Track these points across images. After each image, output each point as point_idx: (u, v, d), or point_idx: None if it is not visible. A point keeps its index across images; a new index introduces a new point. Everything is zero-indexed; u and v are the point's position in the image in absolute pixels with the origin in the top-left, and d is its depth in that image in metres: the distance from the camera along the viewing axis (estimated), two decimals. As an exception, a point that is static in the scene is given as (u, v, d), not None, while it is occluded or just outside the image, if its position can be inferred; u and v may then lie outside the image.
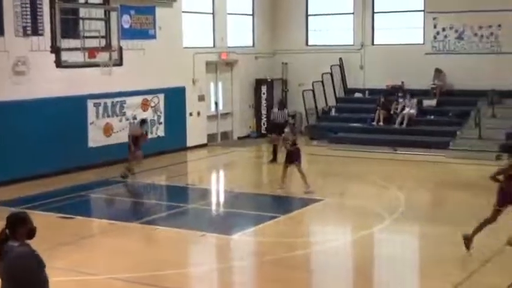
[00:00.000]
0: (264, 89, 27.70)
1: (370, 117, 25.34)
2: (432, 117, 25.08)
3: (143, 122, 19.61)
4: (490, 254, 11.80)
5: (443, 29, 25.76)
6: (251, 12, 27.93)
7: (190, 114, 24.38)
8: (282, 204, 16.60)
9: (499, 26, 24.78)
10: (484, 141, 22.57)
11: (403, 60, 26.09)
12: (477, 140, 22.72)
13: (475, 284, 10.49)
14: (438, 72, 25.46)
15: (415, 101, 24.99)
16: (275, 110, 22.38)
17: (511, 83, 24.07)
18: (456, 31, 25.56)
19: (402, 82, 25.98)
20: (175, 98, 23.49)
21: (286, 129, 17.63)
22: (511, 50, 24.49)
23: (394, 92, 25.73)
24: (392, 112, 25.05)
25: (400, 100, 25.08)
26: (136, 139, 18.85)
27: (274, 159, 21.08)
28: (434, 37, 25.94)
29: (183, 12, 24.07)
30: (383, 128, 24.80)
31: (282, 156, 17.59)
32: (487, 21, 24.93)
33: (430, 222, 14.54)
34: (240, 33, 27.52)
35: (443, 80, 25.61)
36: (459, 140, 23.01)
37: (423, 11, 26.15)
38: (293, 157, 17.00)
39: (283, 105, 22.73)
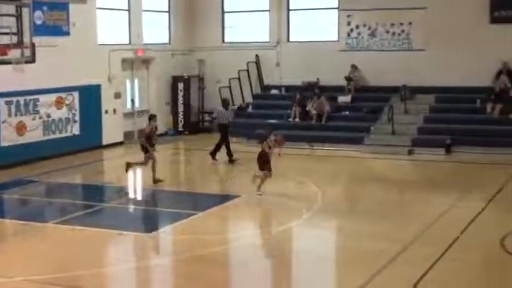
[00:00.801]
0: (180, 86, 27.60)
1: (287, 114, 25.57)
2: (347, 113, 25.50)
3: (152, 117, 18.80)
4: (403, 246, 12.08)
5: (357, 27, 26.22)
6: (167, 9, 27.74)
7: (106, 111, 24.05)
8: (200, 201, 16.58)
9: (410, 23, 25.40)
10: (397, 136, 23.10)
11: (318, 57, 26.43)
12: (390, 135, 23.23)
13: (390, 275, 10.73)
14: (354, 68, 25.91)
15: (323, 98, 25.17)
16: (222, 109, 21.80)
17: (422, 78, 24.72)
18: (369, 28, 26.06)
19: (317, 79, 26.31)
20: (90, 96, 23.13)
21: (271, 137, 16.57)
22: (421, 46, 25.15)
23: (310, 89, 26.01)
24: (308, 109, 25.32)
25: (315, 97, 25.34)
26: (149, 138, 17.93)
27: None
28: (348, 34, 26.38)
29: (97, 8, 23.71)
30: (299, 124, 25.05)
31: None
32: (398, 18, 25.51)
33: (346, 216, 14.81)
34: (156, 30, 27.32)
35: (359, 76, 26.07)
36: (373, 135, 23.49)
37: (337, 8, 26.53)
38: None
39: (227, 104, 22.49)
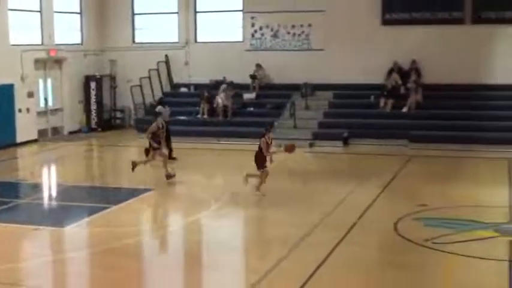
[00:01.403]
0: (93, 85, 27.10)
1: (196, 111, 25.46)
2: (252, 109, 25.60)
3: (158, 114, 18.21)
4: (307, 232, 12.22)
5: (261, 28, 26.35)
6: (79, 11, 27.11)
7: (20, 110, 23.32)
8: (113, 195, 16.28)
9: (310, 25, 25.72)
10: (299, 130, 23.37)
11: (225, 57, 26.43)
12: (292, 129, 23.47)
13: (295, 259, 10.83)
14: (258, 67, 26.04)
15: (222, 94, 25.12)
16: (161, 107, 20.84)
17: (321, 76, 25.07)
18: (272, 30, 26.24)
19: (224, 77, 26.29)
20: (3, 95, 22.41)
21: (270, 134, 15.76)
22: (320, 46, 25.52)
23: (217, 86, 25.96)
24: (215, 105, 25.29)
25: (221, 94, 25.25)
26: (155, 135, 17.11)
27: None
28: (253, 35, 26.49)
29: (9, 10, 22.95)
30: (207, 120, 24.98)
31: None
32: (299, 21, 25.79)
33: (252, 206, 14.85)
34: (69, 31, 26.68)
35: (263, 74, 26.22)
36: (277, 130, 23.64)
37: (242, 11, 26.59)
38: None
39: (163, 104, 21.80)
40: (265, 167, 15.38)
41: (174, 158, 19.62)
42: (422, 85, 24.15)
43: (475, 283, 9.78)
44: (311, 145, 22.64)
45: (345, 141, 22.73)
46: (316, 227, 12.57)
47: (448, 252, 11.09)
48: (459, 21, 24.28)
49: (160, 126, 17.36)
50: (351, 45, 25.01)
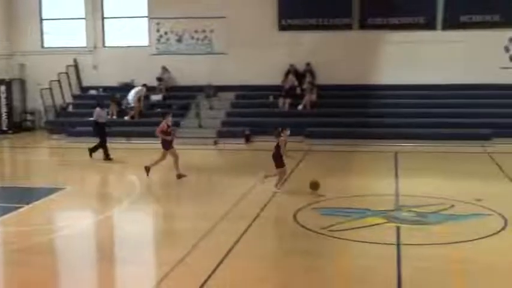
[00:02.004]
0: (3, 88, 26.21)
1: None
2: (159, 110, 25.35)
3: (165, 113, 17.38)
4: (213, 223, 12.24)
5: (166, 33, 26.17)
6: (-13, 16, 26.15)
7: None
8: (26, 194, 15.76)
9: (212, 31, 25.76)
10: (204, 129, 23.38)
11: (132, 61, 26.12)
12: (198, 129, 23.46)
13: (205, 248, 10.82)
14: (164, 69, 25.86)
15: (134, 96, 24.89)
16: (98, 109, 20.13)
17: (224, 78, 25.17)
18: (177, 35, 26.10)
19: (132, 80, 25.95)
20: None
21: (287, 132, 15.39)
22: (222, 51, 25.61)
23: (127, 89, 25.59)
24: (124, 107, 24.96)
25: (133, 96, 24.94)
26: (165, 134, 16.56)
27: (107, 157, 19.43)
28: (158, 40, 26.27)
29: None
30: (116, 121, 24.58)
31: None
32: (202, 26, 25.77)
33: (161, 201, 14.76)
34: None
35: (169, 77, 26.06)
36: (183, 129, 23.56)
37: (147, 17, 26.32)
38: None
39: (101, 105, 20.96)
40: (284, 165, 15.22)
41: (110, 159, 19.29)
42: (316, 86, 24.68)
43: (366, 266, 10.06)
44: (215, 143, 22.70)
45: (247, 139, 22.93)
46: (222, 219, 12.61)
47: (343, 239, 11.36)
48: (348, 27, 24.93)
49: (170, 124, 16.86)
50: (251, 49, 25.22)
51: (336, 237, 11.42)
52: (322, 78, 24.98)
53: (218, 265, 9.95)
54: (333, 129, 22.82)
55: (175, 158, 16.59)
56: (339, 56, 24.73)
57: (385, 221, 12.43)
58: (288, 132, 15.37)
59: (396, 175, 16.94)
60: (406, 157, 19.60)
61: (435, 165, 18.41)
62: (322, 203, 13.89)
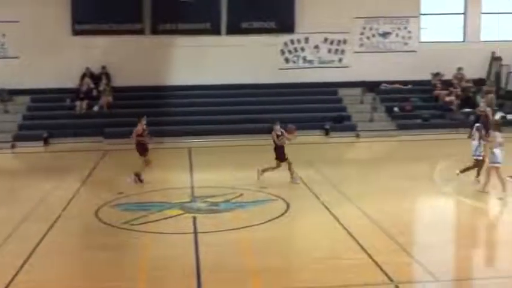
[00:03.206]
0: None
1: None
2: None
3: (141, 116, 15.82)
4: (15, 226, 11.66)
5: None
6: None
7: None
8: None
9: (4, 35, 24.36)
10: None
11: None
12: None
13: (6, 253, 10.28)
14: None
15: None
16: None
17: (18, 82, 23.90)
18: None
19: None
20: None
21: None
22: (15, 54, 24.34)
23: None
24: None
25: None
26: (141, 136, 15.42)
27: None
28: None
29: None
30: None
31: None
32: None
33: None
34: None
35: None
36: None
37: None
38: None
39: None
40: (286, 158, 14.99)
41: None
42: (112, 87, 24.38)
43: (167, 255, 10.22)
44: (13, 146, 21.49)
45: (45, 141, 22.00)
46: (23, 222, 12.04)
47: (144, 231, 11.43)
48: (140, 32, 24.90)
49: (145, 127, 15.63)
50: (46, 53, 24.23)
51: (136, 231, 11.46)
52: (118, 81, 24.71)
53: (20, 268, 9.52)
54: (131, 128, 22.60)
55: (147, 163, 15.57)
56: (133, 59, 24.60)
57: (183, 212, 12.69)
58: (277, 126, 15.21)
59: (191, 169, 17.31)
60: (200, 152, 20.09)
61: (226, 158, 19.08)
62: (123, 199, 13.82)
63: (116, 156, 19.99)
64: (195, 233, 11.32)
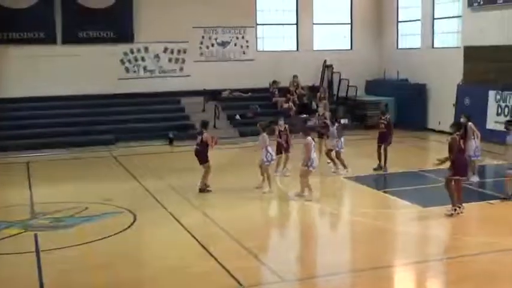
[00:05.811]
0: None
1: None
2: None
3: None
4: None
5: None
6: None
7: None
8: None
9: None
10: None
11: None
12: None
13: None
14: None
15: None
16: None
17: None
18: None
19: None
20: None
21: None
22: None
23: None
24: None
25: None
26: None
27: None
28: None
29: None
30: None
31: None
32: None
33: None
34: None
35: None
36: None
37: None
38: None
39: None
40: (281, 152, 15.99)
41: None
42: None
43: (7, 277, 9.64)
44: None
45: None
46: None
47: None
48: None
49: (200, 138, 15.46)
50: None
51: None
52: None
53: None
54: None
55: None
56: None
57: (23, 230, 12.02)
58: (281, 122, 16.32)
59: (30, 184, 16.42)
60: (39, 166, 19.09)
61: (68, 172, 18.32)
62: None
63: None
64: (38, 251, 10.76)
